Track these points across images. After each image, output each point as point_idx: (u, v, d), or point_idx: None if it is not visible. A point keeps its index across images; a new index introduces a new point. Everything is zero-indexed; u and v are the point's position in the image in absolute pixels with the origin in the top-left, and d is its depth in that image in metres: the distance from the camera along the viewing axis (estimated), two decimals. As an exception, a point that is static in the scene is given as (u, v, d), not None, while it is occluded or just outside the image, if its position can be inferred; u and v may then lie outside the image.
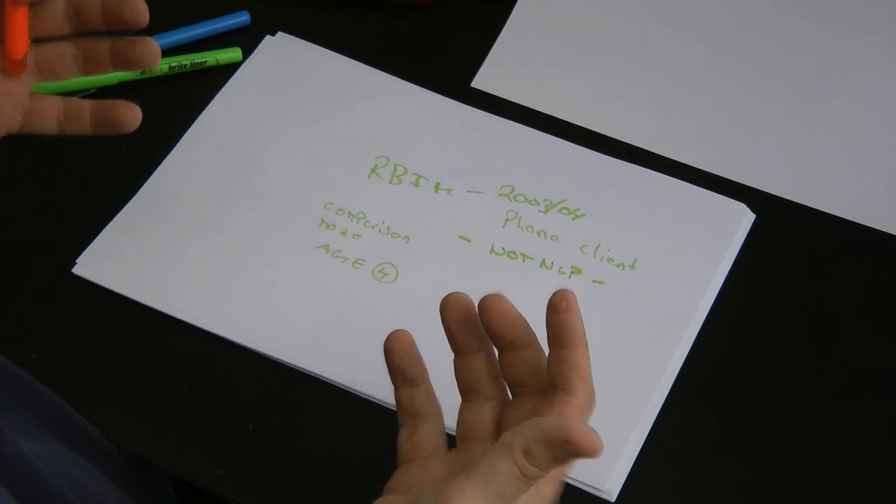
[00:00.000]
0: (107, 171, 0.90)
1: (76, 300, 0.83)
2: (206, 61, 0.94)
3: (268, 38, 0.96)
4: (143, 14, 0.75)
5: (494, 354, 0.65)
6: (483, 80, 0.94)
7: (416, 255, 0.85)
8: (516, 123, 0.91)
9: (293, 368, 0.80)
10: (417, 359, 0.65)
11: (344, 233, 0.86)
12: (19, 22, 0.74)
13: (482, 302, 0.64)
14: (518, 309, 0.64)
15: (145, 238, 0.86)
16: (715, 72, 0.95)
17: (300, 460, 0.77)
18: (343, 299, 0.83)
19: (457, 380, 0.65)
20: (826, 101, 0.93)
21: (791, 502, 0.76)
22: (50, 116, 0.78)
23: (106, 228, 0.86)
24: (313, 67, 0.95)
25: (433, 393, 0.66)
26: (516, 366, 0.64)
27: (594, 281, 0.83)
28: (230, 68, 0.94)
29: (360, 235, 0.86)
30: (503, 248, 0.85)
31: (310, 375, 0.80)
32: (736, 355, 0.81)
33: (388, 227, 0.86)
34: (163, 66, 0.93)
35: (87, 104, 0.79)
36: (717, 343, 0.81)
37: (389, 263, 0.84)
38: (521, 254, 0.85)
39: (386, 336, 0.65)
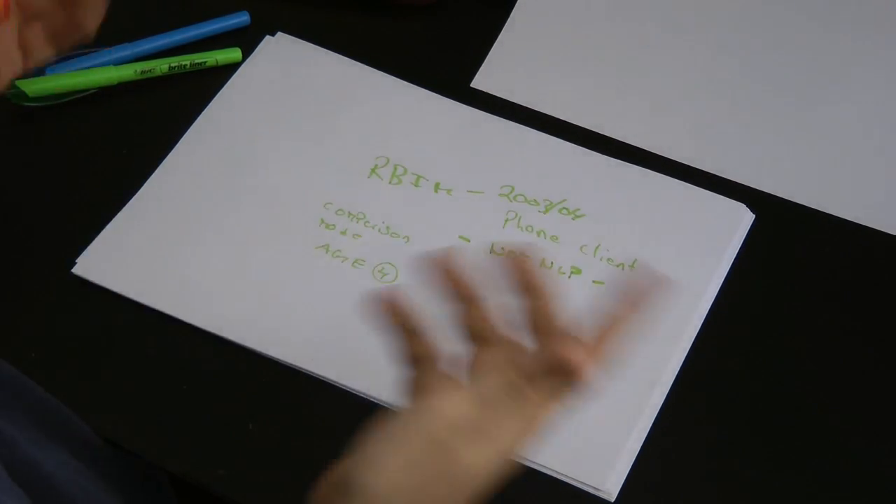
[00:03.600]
0: (107, 171, 0.90)
1: (76, 300, 0.83)
2: (205, 61, 0.94)
3: (267, 38, 0.96)
4: None
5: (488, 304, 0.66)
6: (483, 80, 0.94)
7: (416, 255, 0.85)
8: (516, 123, 0.91)
9: (293, 368, 0.80)
10: (411, 312, 0.66)
11: (344, 233, 0.86)
12: None
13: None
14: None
15: (145, 238, 0.86)
16: (714, 72, 0.95)
17: (300, 460, 0.77)
18: (343, 299, 0.82)
19: (461, 331, 0.66)
20: (826, 101, 0.93)
21: (790, 502, 0.76)
22: (41, 45, 0.71)
23: (106, 228, 0.86)
24: (313, 68, 0.95)
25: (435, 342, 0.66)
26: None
27: (594, 281, 0.83)
28: (230, 68, 0.94)
29: (359, 235, 0.86)
30: (503, 249, 0.85)
31: (310, 375, 0.80)
32: (735, 355, 0.81)
33: (388, 227, 0.86)
34: (163, 66, 0.93)
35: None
36: (717, 343, 0.81)
37: (389, 263, 0.84)
38: (521, 254, 0.84)
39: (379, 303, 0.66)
